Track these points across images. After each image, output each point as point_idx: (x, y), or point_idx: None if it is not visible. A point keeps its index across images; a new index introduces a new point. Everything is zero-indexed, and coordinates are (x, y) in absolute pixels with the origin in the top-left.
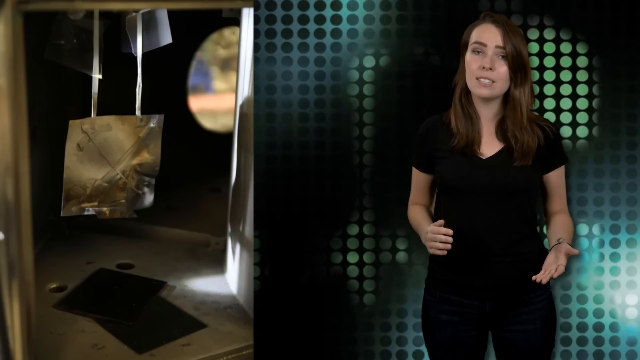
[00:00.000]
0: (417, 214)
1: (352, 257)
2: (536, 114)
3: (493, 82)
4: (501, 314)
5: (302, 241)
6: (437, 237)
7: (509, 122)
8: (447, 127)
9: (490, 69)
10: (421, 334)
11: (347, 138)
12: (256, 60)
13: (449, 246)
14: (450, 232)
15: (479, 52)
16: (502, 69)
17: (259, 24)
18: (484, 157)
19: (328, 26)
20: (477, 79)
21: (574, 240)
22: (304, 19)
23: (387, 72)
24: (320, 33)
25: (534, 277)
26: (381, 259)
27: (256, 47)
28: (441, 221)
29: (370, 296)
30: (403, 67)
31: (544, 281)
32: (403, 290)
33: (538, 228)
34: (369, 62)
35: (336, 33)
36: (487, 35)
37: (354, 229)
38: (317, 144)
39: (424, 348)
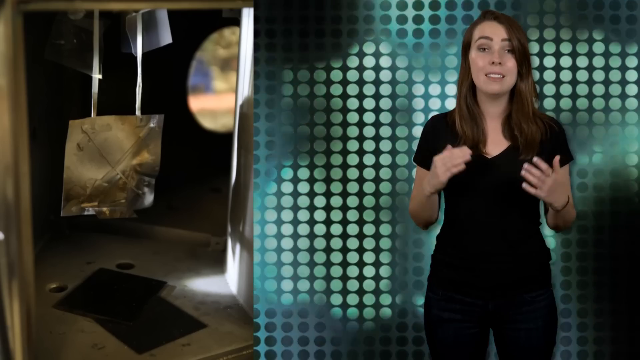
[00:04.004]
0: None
1: None
2: (540, 112)
3: (503, 76)
4: (503, 312)
5: None
6: (454, 154)
7: (515, 115)
8: (452, 126)
9: (500, 63)
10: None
11: None
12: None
13: (468, 157)
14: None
15: (484, 49)
16: (510, 62)
17: (258, 24)
18: (489, 156)
19: (328, 26)
20: (486, 75)
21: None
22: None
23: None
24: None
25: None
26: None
27: (256, 46)
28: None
29: None
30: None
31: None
32: None
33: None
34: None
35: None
36: (491, 30)
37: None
38: None
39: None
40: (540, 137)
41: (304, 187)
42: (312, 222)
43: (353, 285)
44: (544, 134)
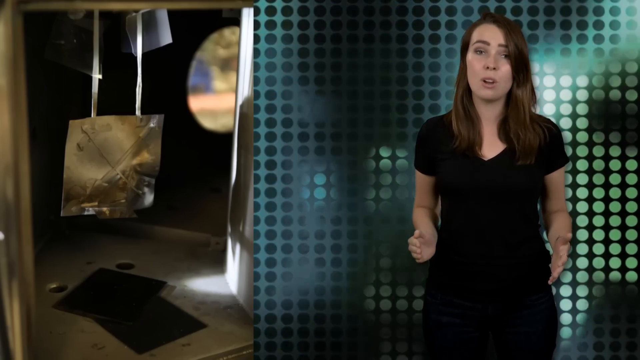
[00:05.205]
0: (417, 217)
1: None
2: (538, 114)
3: (496, 82)
4: (503, 316)
5: None
6: (411, 247)
7: (511, 122)
8: (448, 128)
9: (494, 68)
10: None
11: None
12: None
13: (418, 250)
14: (420, 235)
15: (481, 52)
16: (505, 68)
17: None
18: (485, 159)
19: (328, 32)
20: (481, 80)
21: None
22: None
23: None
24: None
25: (549, 282)
26: None
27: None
28: (416, 232)
29: None
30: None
31: (555, 278)
32: None
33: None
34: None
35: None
36: (489, 35)
37: None
38: None
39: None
40: (539, 143)
41: (304, 180)
42: (312, 216)
43: (353, 277)
44: (543, 139)
